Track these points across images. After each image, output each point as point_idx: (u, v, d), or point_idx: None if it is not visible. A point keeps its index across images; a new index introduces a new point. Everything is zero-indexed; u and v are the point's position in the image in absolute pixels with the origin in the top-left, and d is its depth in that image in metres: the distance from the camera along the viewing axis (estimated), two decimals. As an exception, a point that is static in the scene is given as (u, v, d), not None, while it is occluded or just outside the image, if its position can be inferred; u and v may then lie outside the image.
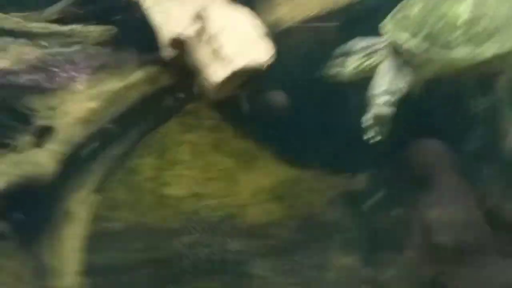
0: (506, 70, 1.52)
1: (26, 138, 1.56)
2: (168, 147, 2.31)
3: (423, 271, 1.86)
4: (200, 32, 1.43)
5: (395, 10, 1.57)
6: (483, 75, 1.63)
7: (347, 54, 1.70)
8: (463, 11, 1.47)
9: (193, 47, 1.45)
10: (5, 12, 1.57)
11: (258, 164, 2.37)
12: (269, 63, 1.43)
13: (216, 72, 1.40)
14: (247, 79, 1.50)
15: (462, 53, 1.45)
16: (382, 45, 1.64)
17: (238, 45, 1.37)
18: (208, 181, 2.30)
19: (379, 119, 1.58)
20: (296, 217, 2.24)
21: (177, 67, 1.56)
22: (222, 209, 2.24)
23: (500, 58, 1.48)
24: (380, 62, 1.61)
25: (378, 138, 1.59)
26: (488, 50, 1.44)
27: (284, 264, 2.16)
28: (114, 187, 2.20)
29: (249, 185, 2.31)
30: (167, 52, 1.48)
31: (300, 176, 2.30)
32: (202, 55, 1.40)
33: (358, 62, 1.67)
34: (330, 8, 1.64)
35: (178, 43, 1.47)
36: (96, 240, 1.77)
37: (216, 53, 1.39)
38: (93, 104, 1.60)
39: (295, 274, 2.14)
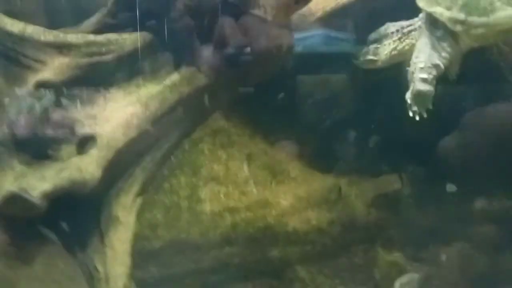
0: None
1: (70, 148, 1.59)
2: (202, 164, 2.34)
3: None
4: None
5: None
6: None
7: (380, 39, 1.73)
8: None
9: None
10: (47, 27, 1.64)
11: (291, 174, 2.37)
12: None
13: None
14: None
15: (502, 16, 1.46)
16: (415, 26, 1.66)
17: None
18: (244, 195, 2.31)
19: (420, 96, 1.58)
20: (336, 222, 2.22)
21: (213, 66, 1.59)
22: (260, 221, 2.23)
23: None
24: (414, 43, 1.62)
25: (421, 115, 1.58)
26: None
27: (328, 267, 2.13)
28: (152, 207, 2.23)
29: (285, 196, 2.31)
30: None
31: (335, 183, 2.30)
32: None
33: (392, 46, 1.69)
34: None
35: None
36: (137, 258, 1.77)
37: None
38: (132, 109, 1.64)
39: (340, 276, 2.10)
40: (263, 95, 2.17)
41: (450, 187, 2.05)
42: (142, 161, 1.68)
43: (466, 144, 1.97)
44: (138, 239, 2.09)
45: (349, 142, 2.32)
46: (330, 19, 1.70)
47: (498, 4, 1.45)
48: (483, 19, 1.47)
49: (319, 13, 1.65)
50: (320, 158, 2.35)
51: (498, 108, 1.91)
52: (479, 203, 2.03)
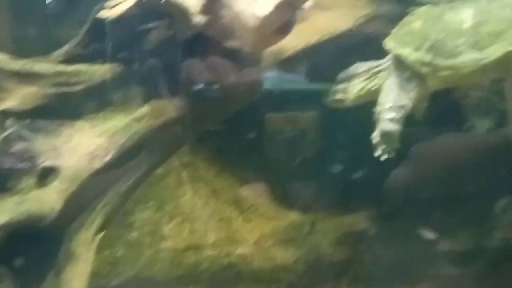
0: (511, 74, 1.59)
1: (31, 180, 1.54)
2: (167, 200, 2.31)
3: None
4: None
5: (395, 29, 1.65)
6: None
7: (349, 79, 1.75)
8: (466, 18, 1.54)
9: (229, 1, 1.49)
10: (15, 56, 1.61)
11: (258, 210, 2.36)
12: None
13: (261, 8, 1.43)
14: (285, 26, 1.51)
15: (468, 59, 1.51)
16: (383, 66, 1.70)
17: None
18: (209, 232, 2.28)
19: (386, 136, 1.61)
20: (302, 260, 2.21)
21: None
22: (224, 258, 2.20)
23: (505, 61, 1.52)
24: (383, 83, 1.66)
25: (387, 155, 1.61)
26: (493, 53, 1.49)
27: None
28: (113, 243, 2.17)
29: (251, 233, 2.29)
30: (198, 19, 1.51)
31: (302, 219, 2.30)
32: (240, 2, 1.43)
33: (361, 86, 1.72)
34: (330, 34, 1.71)
35: (212, 3, 1.50)
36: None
37: None
38: (98, 141, 1.61)
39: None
40: (232, 131, 2.18)
41: (427, 234, 2.08)
42: (106, 195, 1.64)
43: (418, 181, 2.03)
44: (96, 276, 2.03)
45: (316, 180, 2.33)
46: (299, 58, 1.73)
47: (463, 47, 1.51)
48: (449, 62, 1.52)
49: (289, 52, 1.69)
50: (287, 195, 2.35)
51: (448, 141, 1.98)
52: (444, 244, 2.06)
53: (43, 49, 1.73)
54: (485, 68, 1.52)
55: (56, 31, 1.83)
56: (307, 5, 1.48)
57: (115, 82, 1.65)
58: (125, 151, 1.63)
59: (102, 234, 1.66)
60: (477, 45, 1.51)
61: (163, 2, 1.51)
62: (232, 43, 1.50)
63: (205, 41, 1.58)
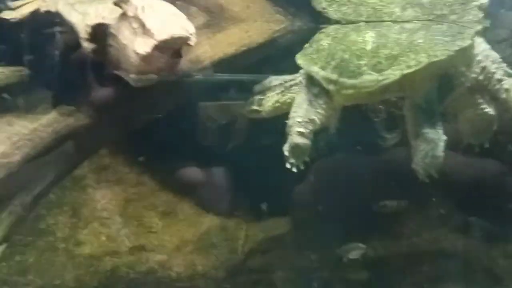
0: (409, 93, 1.68)
1: None
2: (84, 204, 2.26)
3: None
4: (123, 16, 1.49)
5: (306, 45, 1.71)
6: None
7: (264, 91, 1.81)
8: (367, 41, 1.64)
9: (116, 31, 1.50)
10: None
11: (179, 216, 2.36)
12: (193, 40, 1.49)
13: (142, 44, 1.45)
14: (172, 62, 1.54)
15: (369, 79, 1.60)
16: (296, 81, 1.77)
17: (161, 22, 1.45)
18: (127, 237, 2.26)
19: (297, 148, 1.68)
20: (222, 267, 2.24)
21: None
22: (143, 265, 2.19)
23: (402, 83, 1.63)
24: (295, 97, 1.72)
25: (296, 167, 1.67)
26: (390, 76, 1.59)
27: (211, 315, 2.13)
28: (23, 250, 2.11)
29: (171, 238, 2.29)
30: (87, 45, 1.52)
31: (222, 224, 2.33)
32: (126, 35, 1.44)
33: (275, 99, 1.78)
34: (246, 46, 1.75)
35: (99, 32, 1.52)
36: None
37: (141, 29, 1.45)
38: (1, 148, 1.56)
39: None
40: (152, 135, 2.17)
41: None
42: (10, 205, 1.60)
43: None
44: (3, 285, 1.97)
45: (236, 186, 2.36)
46: (215, 68, 1.76)
47: (364, 68, 1.60)
48: (352, 81, 1.61)
49: (206, 62, 1.71)
50: (209, 199, 2.37)
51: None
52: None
53: None
54: (385, 88, 1.62)
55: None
56: (193, 30, 1.50)
57: (20, 86, 1.60)
58: (30, 158, 1.59)
59: (5, 245, 1.61)
60: (377, 67, 1.59)
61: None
62: (119, 71, 1.50)
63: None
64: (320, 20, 1.70)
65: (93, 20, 1.46)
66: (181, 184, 2.34)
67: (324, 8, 1.70)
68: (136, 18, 1.42)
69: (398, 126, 1.91)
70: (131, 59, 1.42)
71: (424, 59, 1.56)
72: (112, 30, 1.47)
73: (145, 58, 1.41)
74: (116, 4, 1.45)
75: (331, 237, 2.13)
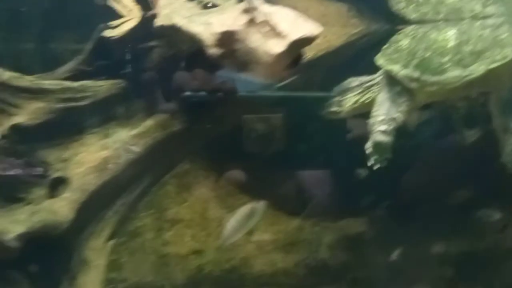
0: (494, 88, 1.72)
1: (42, 191, 1.67)
2: (168, 207, 2.40)
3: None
4: (251, 21, 1.62)
5: (385, 46, 1.77)
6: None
7: (343, 92, 1.89)
8: (449, 38, 1.67)
9: (243, 36, 1.62)
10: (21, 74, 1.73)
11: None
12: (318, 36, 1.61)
13: (275, 46, 1.58)
14: (295, 59, 1.66)
15: (453, 76, 1.63)
16: (375, 81, 1.83)
17: (290, 23, 1.58)
18: (209, 237, 2.38)
19: (378, 147, 1.74)
20: (302, 264, 2.31)
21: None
22: (226, 263, 2.30)
23: (487, 78, 1.65)
24: (375, 97, 1.79)
25: (379, 165, 1.74)
26: (476, 70, 1.62)
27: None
28: (118, 249, 2.27)
29: (250, 238, 2.39)
30: (215, 51, 1.65)
31: (300, 224, 2.40)
32: (255, 39, 1.58)
33: (355, 99, 1.85)
34: (324, 51, 1.85)
35: (226, 39, 1.64)
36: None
37: (271, 32, 1.58)
38: (105, 153, 1.74)
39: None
40: (231, 139, 2.28)
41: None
42: (114, 204, 1.77)
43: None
44: (103, 281, 2.13)
45: (315, 186, 2.43)
46: (296, 72, 1.85)
47: (448, 65, 1.63)
48: (435, 78, 1.65)
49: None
50: (287, 200, 2.45)
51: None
52: (438, 246, 2.18)
53: (40, 64, 1.84)
54: (468, 84, 1.66)
55: (52, 46, 1.92)
56: (320, 30, 1.63)
57: (119, 97, 1.77)
58: (131, 163, 1.75)
59: (112, 241, 1.77)
60: (461, 63, 1.63)
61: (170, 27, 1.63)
62: (245, 75, 1.63)
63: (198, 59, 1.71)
64: (396, 21, 1.76)
65: (219, 28, 1.60)
66: (257, 186, 2.44)
67: (402, 8, 1.74)
68: (266, 23, 1.55)
69: (478, 122, 1.93)
70: (262, 59, 1.52)
71: (510, 53, 1.57)
72: (239, 36, 1.59)
73: (278, 57, 1.52)
74: (245, 11, 1.58)
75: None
